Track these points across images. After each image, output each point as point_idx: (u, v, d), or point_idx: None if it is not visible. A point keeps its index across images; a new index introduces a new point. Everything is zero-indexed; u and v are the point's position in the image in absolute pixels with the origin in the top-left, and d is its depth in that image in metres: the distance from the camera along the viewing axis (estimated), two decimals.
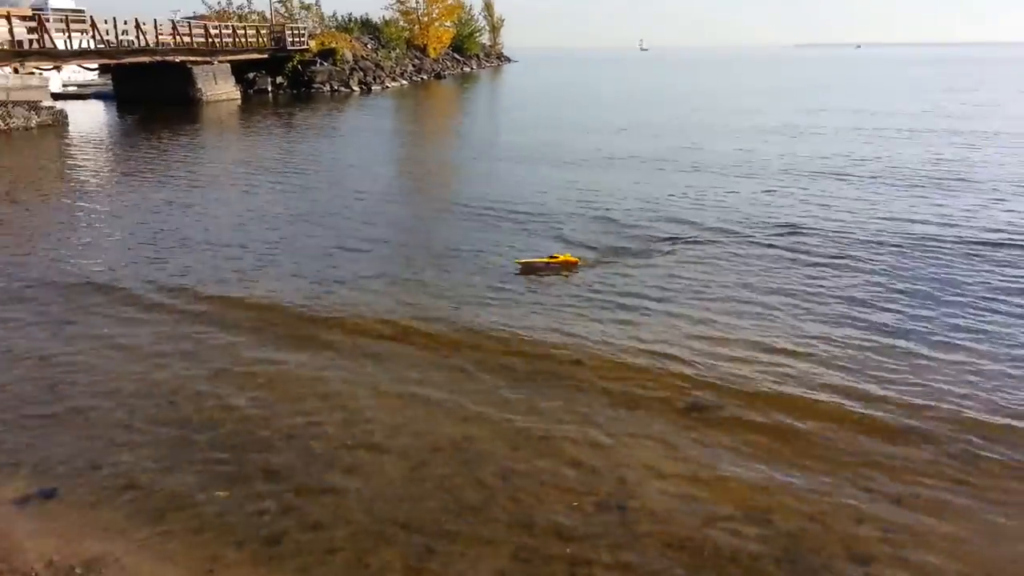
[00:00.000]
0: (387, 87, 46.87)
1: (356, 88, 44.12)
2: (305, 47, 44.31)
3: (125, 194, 15.32)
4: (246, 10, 49.00)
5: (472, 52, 79.77)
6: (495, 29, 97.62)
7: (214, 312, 8.41)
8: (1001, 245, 10.85)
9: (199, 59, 35.56)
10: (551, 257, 10.04)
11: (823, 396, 6.39)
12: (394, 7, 62.62)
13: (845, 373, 6.81)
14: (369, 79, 45.98)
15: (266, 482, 5.22)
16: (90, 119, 29.88)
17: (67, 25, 29.09)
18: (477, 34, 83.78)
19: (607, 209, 13.25)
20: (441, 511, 4.92)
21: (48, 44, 27.61)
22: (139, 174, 17.52)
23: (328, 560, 4.48)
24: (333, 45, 45.71)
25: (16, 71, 26.13)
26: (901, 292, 8.97)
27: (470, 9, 79.92)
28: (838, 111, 31.84)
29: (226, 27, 39.92)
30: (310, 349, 7.42)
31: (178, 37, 34.82)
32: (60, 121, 26.76)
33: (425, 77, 56.77)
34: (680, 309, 8.43)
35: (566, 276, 9.65)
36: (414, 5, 63.28)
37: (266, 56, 42.08)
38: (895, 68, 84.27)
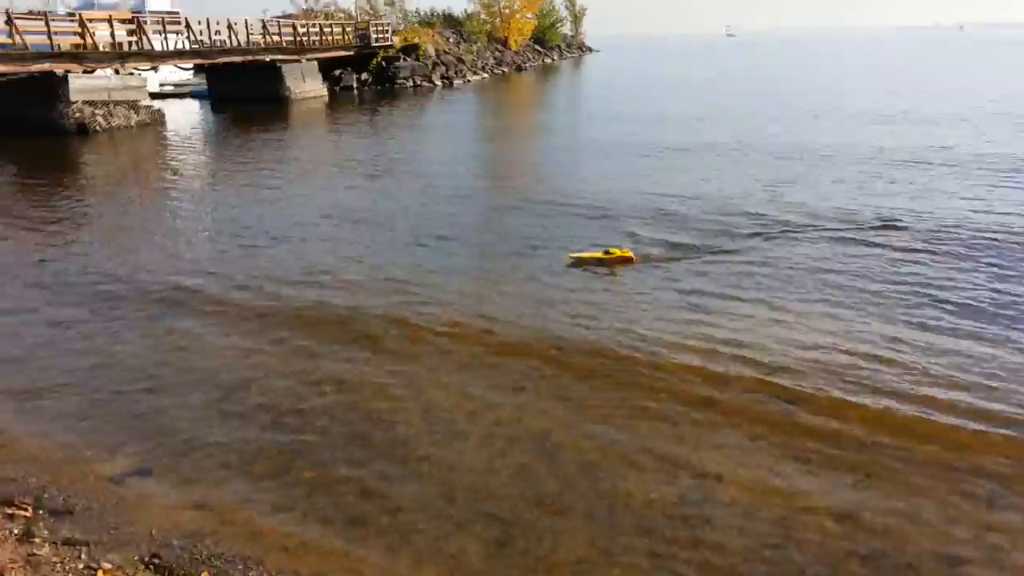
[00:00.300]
0: (468, 81, 47.24)
1: (438, 82, 44.63)
2: (389, 43, 45.05)
3: (216, 191, 15.98)
4: (332, 8, 50.25)
5: (553, 43, 79.40)
6: (577, 19, 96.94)
7: (297, 309, 8.63)
8: None
9: (288, 58, 36.60)
10: (605, 252, 9.87)
11: (911, 406, 6.10)
12: (476, 1, 63.13)
13: (936, 380, 6.51)
14: (451, 73, 46.41)
15: (349, 467, 5.40)
16: (186, 117, 31.19)
17: (164, 27, 30.41)
18: (558, 25, 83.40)
19: (684, 203, 13.02)
20: (519, 499, 4.99)
21: (146, 45, 28.92)
22: (230, 171, 18.22)
23: (410, 542, 4.60)
24: (416, 40, 46.31)
25: (117, 72, 27.47)
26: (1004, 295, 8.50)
27: (552, 0, 79.81)
28: (939, 95, 30.42)
29: (313, 26, 40.95)
30: (390, 346, 7.58)
31: (268, 37, 35.89)
32: (158, 120, 28.04)
33: (506, 70, 56.91)
34: (751, 309, 8.22)
35: (619, 270, 9.54)
36: None
37: (352, 53, 42.97)
38: (1004, 49, 79.77)
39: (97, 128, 25.30)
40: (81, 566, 4.39)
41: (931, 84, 38.04)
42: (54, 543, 4.61)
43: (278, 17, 44.65)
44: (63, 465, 5.51)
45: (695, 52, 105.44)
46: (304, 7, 50.10)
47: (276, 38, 36.35)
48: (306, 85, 37.31)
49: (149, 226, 12.88)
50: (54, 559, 4.44)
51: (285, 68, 36.02)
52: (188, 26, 31.25)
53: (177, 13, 34.15)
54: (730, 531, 4.65)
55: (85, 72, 25.84)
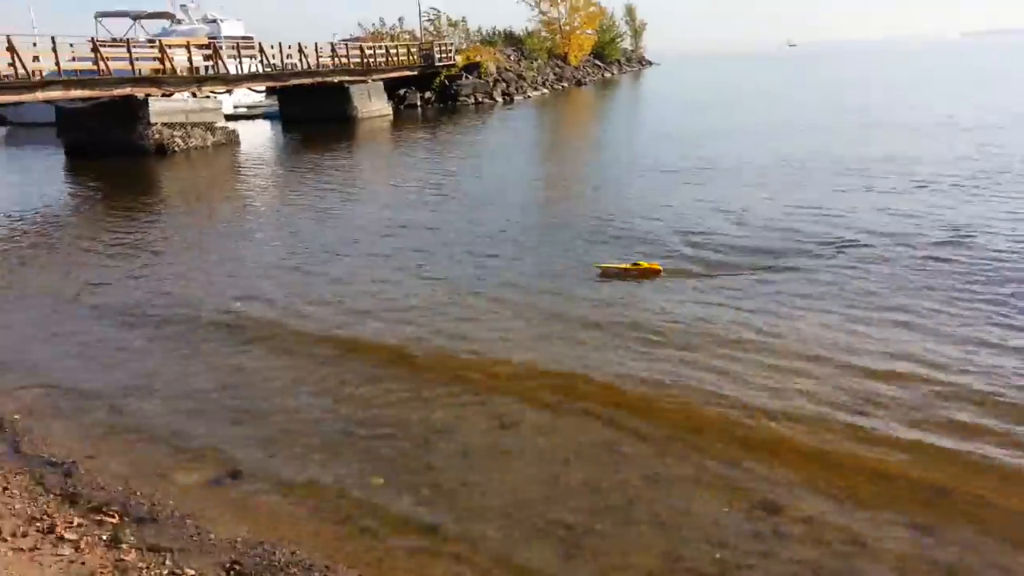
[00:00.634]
0: (528, 96, 47.60)
1: (499, 99, 45.09)
2: (452, 62, 45.78)
3: (284, 209, 16.35)
4: (398, 30, 51.33)
5: (613, 57, 79.40)
6: (637, 33, 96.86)
7: (354, 333, 8.74)
8: None
9: (355, 78, 37.50)
10: (633, 264, 10.03)
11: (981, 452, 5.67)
12: (537, 18, 63.67)
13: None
14: (511, 90, 46.85)
15: (418, 475, 5.52)
16: (258, 138, 32.23)
17: (238, 51, 31.59)
18: (618, 39, 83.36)
19: (731, 219, 12.72)
20: (588, 511, 5.04)
21: (222, 69, 30.06)
22: (297, 189, 18.75)
23: (480, 550, 4.70)
24: (478, 59, 46.93)
25: (194, 95, 28.61)
26: None
27: (612, 15, 79.89)
28: (1007, 107, 29.29)
29: (380, 47, 41.92)
30: (454, 378, 7.69)
31: (336, 59, 36.86)
32: (232, 140, 29.06)
33: (566, 85, 57.16)
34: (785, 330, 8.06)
35: (644, 281, 9.67)
36: (556, 15, 64.03)
37: (416, 73, 43.81)
38: None
39: (175, 148, 26.39)
40: (166, 572, 4.59)
41: (1001, 94, 36.66)
42: (140, 549, 4.83)
43: (346, 40, 45.88)
44: (148, 474, 5.77)
45: (757, 65, 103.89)
46: (371, 30, 51.31)
47: (344, 60, 37.30)
48: (372, 104, 38.13)
49: (220, 242, 13.32)
50: (140, 564, 4.66)
51: (352, 88, 36.90)
52: (261, 50, 32.36)
53: (251, 38, 35.45)
54: (803, 539, 4.62)
55: (164, 95, 26.99)
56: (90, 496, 5.47)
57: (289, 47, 33.82)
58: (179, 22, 42.90)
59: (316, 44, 35.76)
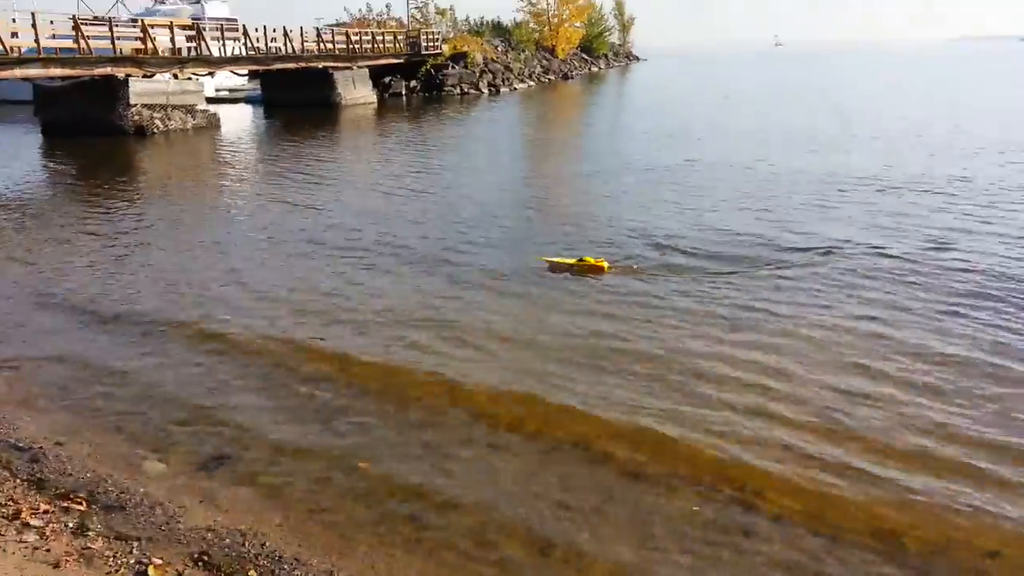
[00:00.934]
0: (515, 88, 47.48)
1: (485, 90, 44.95)
2: (439, 51, 45.55)
3: (260, 197, 16.09)
4: (385, 17, 50.99)
5: (601, 52, 79.36)
6: (625, 28, 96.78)
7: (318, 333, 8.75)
8: None
9: (340, 65, 37.23)
10: (578, 260, 10.12)
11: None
12: (525, 9, 63.45)
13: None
14: (498, 81, 46.71)
15: (399, 473, 5.50)
16: (240, 122, 31.92)
17: (222, 33, 31.20)
18: (607, 34, 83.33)
19: (698, 223, 12.59)
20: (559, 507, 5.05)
21: (205, 51, 29.69)
22: (275, 176, 18.55)
23: (451, 547, 4.72)
24: (465, 49, 46.72)
25: (176, 76, 28.25)
26: None
27: (600, 9, 79.80)
28: (995, 112, 29.60)
29: (366, 34, 41.62)
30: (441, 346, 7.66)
31: (321, 44, 36.56)
32: (213, 123, 28.75)
33: (552, 78, 57.06)
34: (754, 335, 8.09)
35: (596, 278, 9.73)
36: (545, 7, 63.84)
37: (402, 61, 43.57)
38: None
39: (155, 130, 26.07)
40: (132, 560, 4.53)
41: (987, 98, 37.03)
42: (107, 537, 4.76)
43: (332, 25, 45.47)
44: (117, 462, 5.70)
45: (743, 61, 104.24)
46: (358, 16, 50.94)
47: (329, 46, 36.99)
48: (356, 91, 37.89)
49: (186, 238, 12.86)
50: (107, 553, 4.59)
51: (337, 75, 36.64)
52: (246, 33, 32.02)
53: (235, 20, 35.02)
54: (773, 538, 4.65)
55: (145, 76, 26.63)
56: (57, 482, 5.39)
57: (274, 31, 33.49)
58: (163, 2, 42.36)
59: (301, 28, 35.44)
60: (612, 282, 9.65)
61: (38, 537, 4.65)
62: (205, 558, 4.57)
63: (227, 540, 4.75)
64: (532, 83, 51.74)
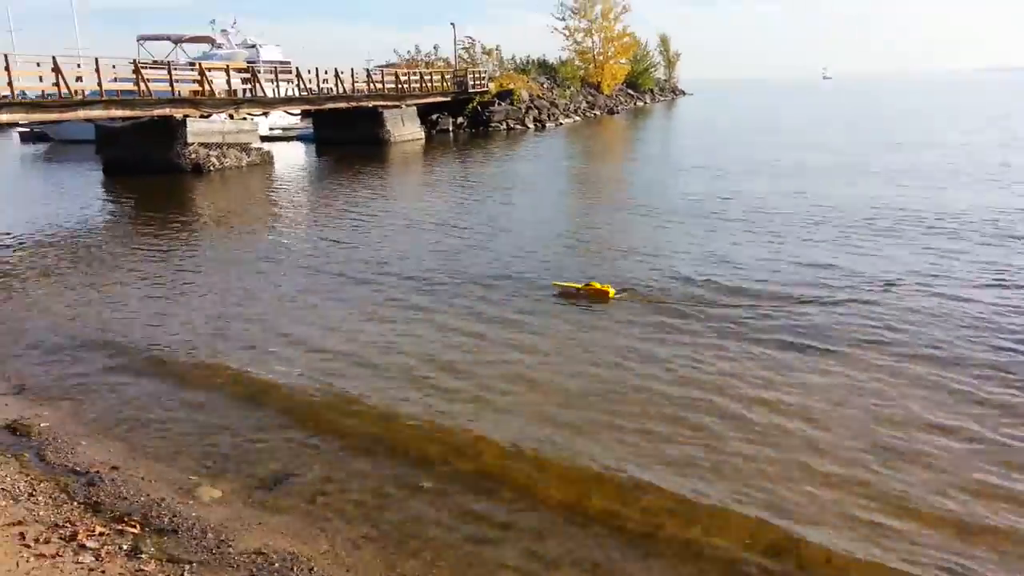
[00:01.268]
0: (560, 124, 47.84)
1: (531, 126, 45.35)
2: (485, 89, 46.21)
3: (311, 232, 16.23)
4: (433, 57, 52.03)
5: (646, 87, 79.80)
6: (671, 63, 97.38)
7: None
8: None
9: (389, 103, 38.01)
10: (585, 285, 10.40)
11: None
12: (570, 48, 64.21)
13: None
14: (543, 117, 47.13)
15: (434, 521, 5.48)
16: (292, 159, 32.68)
17: (276, 75, 32.16)
18: (652, 69, 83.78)
19: (745, 258, 12.35)
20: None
21: (259, 92, 30.62)
22: (326, 212, 18.88)
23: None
24: (511, 86, 47.32)
25: (231, 116, 29.16)
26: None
27: (646, 45, 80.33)
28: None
29: (414, 74, 42.49)
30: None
31: (371, 84, 37.40)
32: (267, 161, 29.53)
33: (598, 113, 57.41)
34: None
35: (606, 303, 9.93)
36: (590, 45, 64.54)
37: (449, 99, 44.29)
38: None
39: (211, 168, 26.87)
40: None
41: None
42: (160, 560, 4.83)
43: (382, 66, 46.54)
44: (170, 487, 5.79)
45: (791, 94, 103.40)
46: (407, 57, 52.09)
47: (379, 85, 37.82)
48: (405, 129, 38.58)
49: (234, 275, 13.13)
50: (159, 575, 4.66)
51: (386, 113, 37.38)
52: (298, 75, 32.92)
53: (288, 63, 36.08)
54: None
55: (202, 116, 27.53)
56: (113, 506, 5.51)
57: (325, 72, 34.38)
58: (219, 46, 43.91)
59: (352, 69, 36.33)
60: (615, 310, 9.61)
61: (94, 559, 4.74)
62: None
63: (276, 564, 4.78)
64: (577, 118, 52.09)
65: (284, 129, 41.84)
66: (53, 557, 4.71)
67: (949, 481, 5.61)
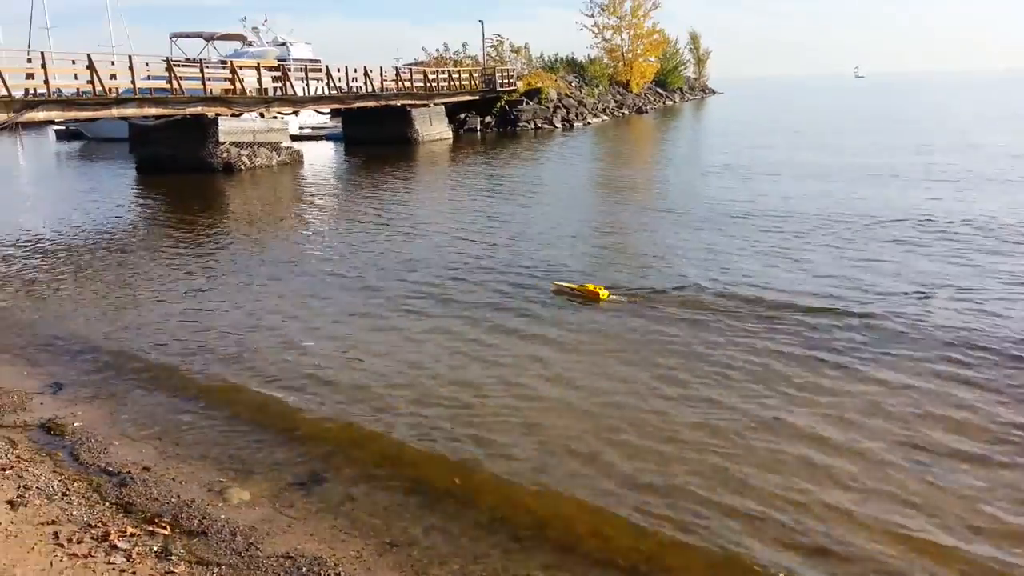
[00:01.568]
0: (588, 123, 47.68)
1: (558, 125, 45.26)
2: (513, 88, 46.20)
3: (337, 235, 16.28)
4: (461, 55, 52.11)
5: (676, 85, 79.28)
6: (701, 62, 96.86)
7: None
8: None
9: (417, 102, 38.13)
10: (580, 285, 10.66)
11: None
12: (599, 46, 63.96)
13: None
14: (571, 116, 47.00)
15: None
16: (321, 158, 32.93)
17: (306, 74, 32.42)
18: (681, 68, 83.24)
19: (768, 263, 12.13)
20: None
21: (289, 91, 30.86)
22: (353, 213, 18.91)
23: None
24: (539, 85, 47.25)
25: (262, 115, 29.42)
26: None
27: (675, 43, 79.82)
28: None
29: (443, 72, 42.59)
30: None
31: (400, 83, 37.54)
32: (297, 160, 29.77)
33: (626, 112, 57.16)
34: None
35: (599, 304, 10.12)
36: (619, 43, 64.27)
37: (477, 98, 44.34)
38: None
39: (242, 167, 27.14)
40: None
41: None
42: (189, 562, 4.88)
43: (410, 64, 46.71)
44: (200, 489, 5.85)
45: (823, 92, 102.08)
46: (435, 55, 52.23)
47: (407, 84, 37.95)
48: (433, 128, 38.68)
49: (266, 281, 13.20)
50: None
51: (414, 112, 37.52)
52: (328, 73, 33.15)
53: (319, 61, 36.36)
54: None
55: (233, 115, 27.81)
56: (144, 506, 5.57)
57: (355, 70, 34.56)
58: (250, 44, 44.33)
59: (380, 68, 36.50)
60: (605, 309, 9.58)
61: (125, 559, 4.80)
62: None
63: (304, 569, 4.80)
64: (606, 117, 51.90)
65: (313, 128, 42.11)
66: (85, 557, 4.78)
67: (982, 514, 5.47)
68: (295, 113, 34.81)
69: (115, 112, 24.13)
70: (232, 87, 27.94)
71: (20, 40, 54.39)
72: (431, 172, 28.40)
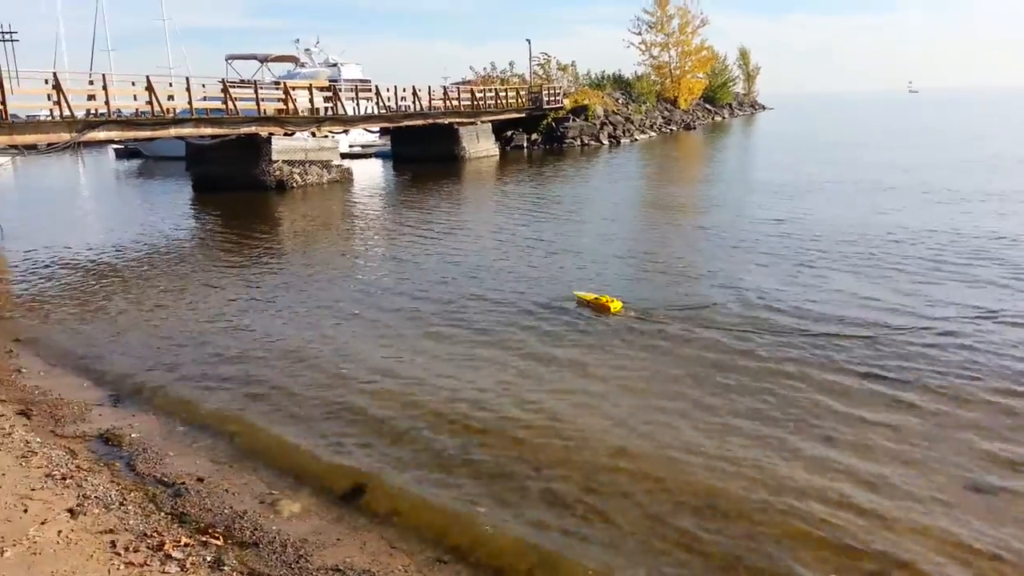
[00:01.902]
0: (635, 140, 47.50)
1: (605, 142, 45.18)
2: (560, 105, 46.32)
3: (383, 251, 16.54)
4: (508, 74, 52.50)
5: (724, 101, 78.59)
6: (750, 77, 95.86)
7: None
8: None
9: (464, 120, 38.48)
10: (594, 297, 10.81)
11: None
12: (646, 63, 63.80)
13: None
14: (618, 133, 46.87)
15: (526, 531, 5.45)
16: (371, 176, 33.38)
17: (356, 93, 32.99)
18: (730, 83, 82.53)
19: (809, 283, 11.87)
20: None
21: (340, 110, 31.42)
22: (399, 230, 18.97)
23: None
24: (586, 102, 47.29)
25: (314, 134, 29.98)
26: None
27: (724, 59, 79.26)
28: None
29: (490, 91, 42.94)
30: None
31: (447, 101, 37.96)
32: (347, 178, 30.24)
33: (674, 128, 56.78)
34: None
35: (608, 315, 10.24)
36: (667, 59, 64.02)
37: (523, 115, 44.55)
38: None
39: (294, 185, 27.67)
40: None
41: None
42: (241, 573, 4.94)
43: (458, 83, 47.20)
44: (253, 500, 5.93)
45: (876, 107, 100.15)
46: (482, 74, 52.75)
47: (455, 103, 38.35)
48: (480, 145, 38.97)
49: (313, 296, 13.57)
50: None
51: (462, 130, 37.84)
52: (378, 93, 33.70)
53: (368, 81, 36.96)
54: None
55: (286, 134, 28.39)
56: (198, 517, 5.67)
57: (404, 89, 35.06)
58: (303, 65, 45.23)
59: (429, 87, 36.93)
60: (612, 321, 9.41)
61: (179, 569, 4.89)
62: None
63: None
64: (653, 134, 51.66)
65: (363, 146, 42.73)
66: (141, 566, 4.87)
67: None
68: (345, 132, 35.38)
69: (172, 132, 24.82)
70: (285, 107, 28.54)
71: (83, 62, 56.21)
72: (477, 189, 28.54)
